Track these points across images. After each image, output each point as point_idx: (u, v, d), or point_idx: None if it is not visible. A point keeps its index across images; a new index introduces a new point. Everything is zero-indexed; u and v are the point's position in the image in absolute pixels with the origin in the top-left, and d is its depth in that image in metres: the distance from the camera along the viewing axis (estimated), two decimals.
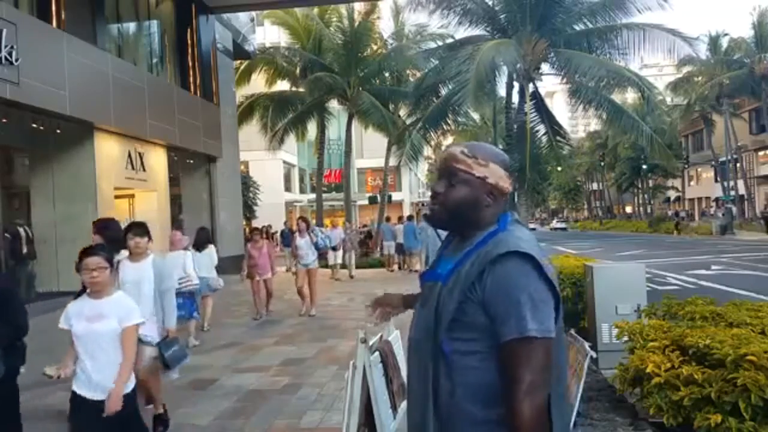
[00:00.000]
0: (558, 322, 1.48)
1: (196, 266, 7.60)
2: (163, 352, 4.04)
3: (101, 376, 2.99)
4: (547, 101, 20.59)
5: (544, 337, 1.39)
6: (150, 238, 4.43)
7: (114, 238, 4.37)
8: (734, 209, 39.48)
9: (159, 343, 4.08)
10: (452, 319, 1.44)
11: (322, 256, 12.58)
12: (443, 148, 43.77)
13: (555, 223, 69.37)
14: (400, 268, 18.34)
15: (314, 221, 23.38)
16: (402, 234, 17.82)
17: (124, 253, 4.41)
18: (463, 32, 19.52)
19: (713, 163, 46.68)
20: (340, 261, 16.03)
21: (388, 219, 20.22)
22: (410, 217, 20.63)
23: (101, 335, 3.00)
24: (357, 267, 17.62)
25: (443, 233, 1.71)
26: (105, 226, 4.60)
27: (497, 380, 1.42)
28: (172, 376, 4.24)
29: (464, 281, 1.45)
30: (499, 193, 1.57)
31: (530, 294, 1.40)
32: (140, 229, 4.42)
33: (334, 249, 15.01)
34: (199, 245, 8.50)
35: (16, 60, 9.63)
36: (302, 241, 9.84)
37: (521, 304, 1.38)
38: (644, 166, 49.22)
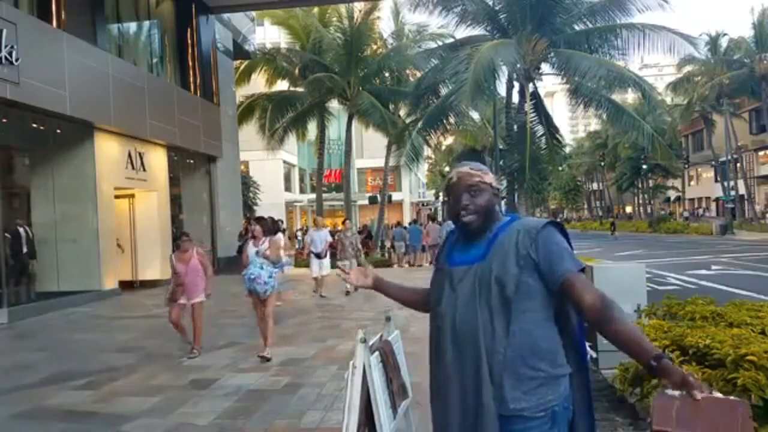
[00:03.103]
0: None
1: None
2: None
3: None
4: (547, 101, 20.66)
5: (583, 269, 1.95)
6: None
7: None
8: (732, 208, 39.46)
9: None
10: (516, 283, 1.84)
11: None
12: (442, 146, 43.70)
13: None
14: (410, 264, 20.32)
15: (314, 221, 23.37)
16: (409, 235, 20.65)
17: None
18: (463, 32, 19.55)
19: (713, 163, 46.65)
20: (325, 272, 12.49)
21: (398, 224, 22.18)
22: (414, 221, 24.06)
23: None
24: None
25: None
26: None
27: (542, 342, 1.86)
28: None
29: (517, 252, 1.87)
30: (498, 192, 2.05)
31: (567, 246, 1.93)
32: None
33: (319, 256, 12.42)
34: (272, 234, 10.53)
35: (16, 60, 9.65)
36: (253, 252, 6.99)
37: (568, 251, 1.91)
38: (644, 166, 49.17)
